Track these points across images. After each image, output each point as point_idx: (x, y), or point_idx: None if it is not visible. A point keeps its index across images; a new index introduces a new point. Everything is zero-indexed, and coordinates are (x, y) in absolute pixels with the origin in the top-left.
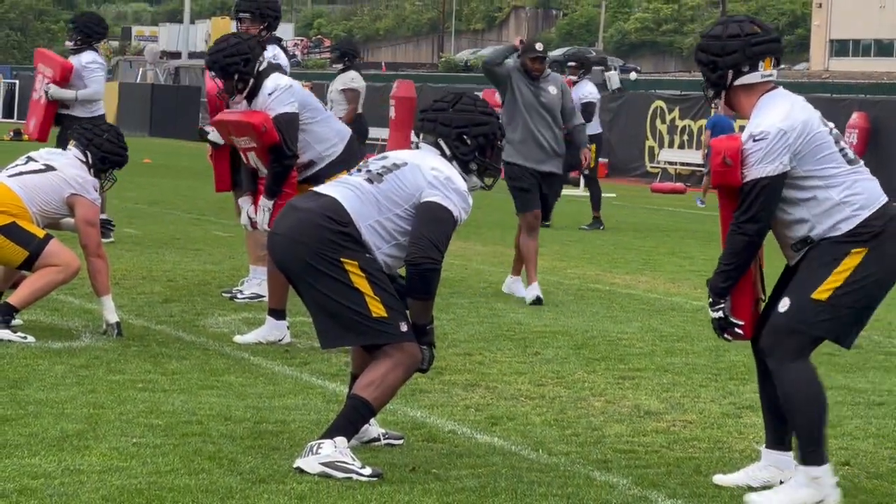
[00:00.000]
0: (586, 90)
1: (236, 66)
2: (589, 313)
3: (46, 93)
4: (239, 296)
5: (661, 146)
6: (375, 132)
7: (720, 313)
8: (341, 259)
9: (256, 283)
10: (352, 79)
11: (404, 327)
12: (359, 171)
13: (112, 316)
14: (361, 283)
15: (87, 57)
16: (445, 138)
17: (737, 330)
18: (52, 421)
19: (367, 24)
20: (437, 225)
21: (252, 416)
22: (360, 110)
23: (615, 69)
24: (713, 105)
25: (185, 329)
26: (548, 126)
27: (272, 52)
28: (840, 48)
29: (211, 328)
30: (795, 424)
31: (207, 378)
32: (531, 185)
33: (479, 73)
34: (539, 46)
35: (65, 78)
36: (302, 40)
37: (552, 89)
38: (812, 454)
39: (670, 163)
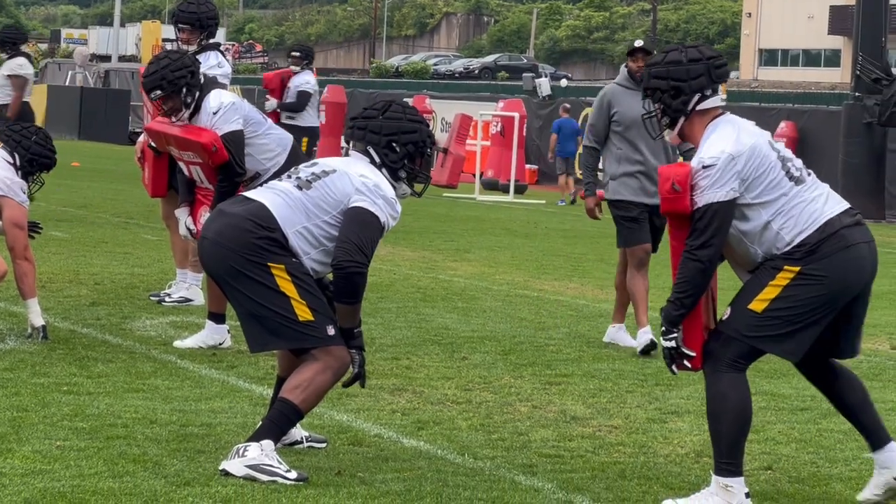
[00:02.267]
0: (304, 79)
1: (184, 79)
2: (517, 319)
3: None
4: (167, 299)
5: None
6: None
7: (673, 342)
8: (268, 263)
9: (185, 286)
10: (20, 65)
11: (331, 331)
12: (289, 177)
13: (38, 319)
14: (287, 286)
15: None
16: (375, 146)
17: (685, 363)
18: None
19: (299, 29)
20: (363, 229)
21: (177, 419)
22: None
23: (546, 76)
24: (663, 136)
25: (112, 332)
26: (648, 141)
27: (216, 60)
28: (769, 57)
29: (138, 331)
30: (717, 433)
31: (133, 381)
32: (640, 215)
33: (409, 79)
34: (638, 43)
35: None
36: (234, 45)
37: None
38: (728, 465)
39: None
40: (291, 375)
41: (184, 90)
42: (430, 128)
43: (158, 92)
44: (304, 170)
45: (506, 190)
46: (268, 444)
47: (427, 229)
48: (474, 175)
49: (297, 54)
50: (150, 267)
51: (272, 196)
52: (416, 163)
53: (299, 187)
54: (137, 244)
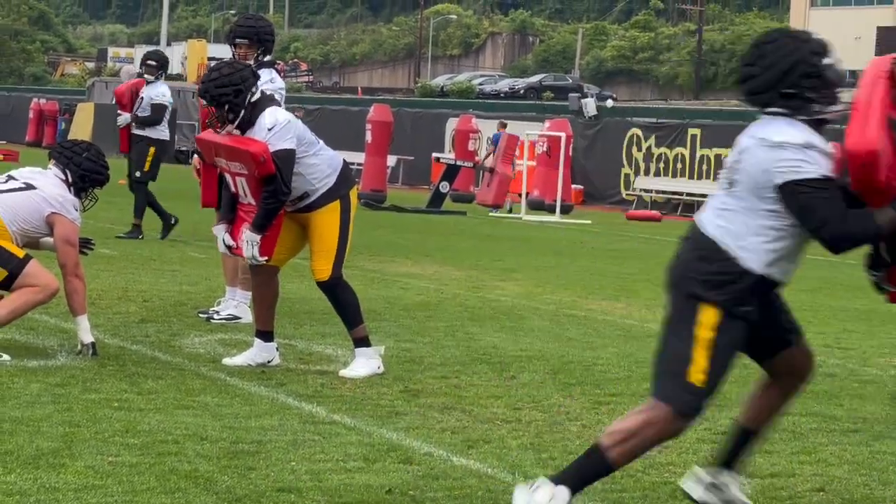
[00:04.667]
0: (159, 90)
1: (227, 97)
2: (565, 338)
3: None
4: (215, 317)
5: (636, 173)
6: (351, 156)
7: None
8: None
9: (233, 304)
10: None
11: None
12: None
13: (87, 336)
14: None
15: None
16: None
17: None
18: (28, 439)
19: (344, 48)
20: None
21: (228, 436)
22: None
23: (591, 96)
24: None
25: (161, 349)
26: None
27: (269, 76)
28: None
29: (187, 349)
30: None
31: (183, 398)
32: None
33: (455, 98)
34: None
35: None
36: (279, 64)
37: None
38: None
39: (646, 190)
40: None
41: (225, 107)
42: (476, 147)
43: (205, 101)
44: None
45: (552, 210)
46: (562, 491)
47: (474, 249)
48: (520, 195)
49: (153, 63)
50: (198, 284)
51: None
52: None
53: None
54: (185, 262)
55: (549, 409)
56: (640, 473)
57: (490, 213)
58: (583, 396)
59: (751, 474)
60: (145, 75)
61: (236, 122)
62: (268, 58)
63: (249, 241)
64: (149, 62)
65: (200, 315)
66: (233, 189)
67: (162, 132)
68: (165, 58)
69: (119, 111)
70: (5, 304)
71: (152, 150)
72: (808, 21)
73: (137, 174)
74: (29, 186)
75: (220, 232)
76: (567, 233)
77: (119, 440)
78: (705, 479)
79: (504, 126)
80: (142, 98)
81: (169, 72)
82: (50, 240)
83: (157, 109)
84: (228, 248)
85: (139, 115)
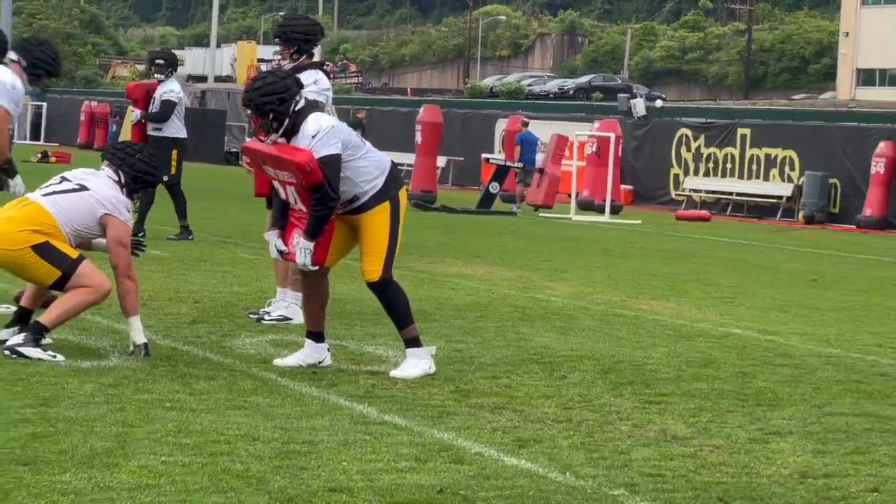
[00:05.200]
0: (168, 87)
1: (271, 105)
2: (615, 338)
3: None
4: (266, 318)
5: (686, 173)
6: (401, 157)
7: None
8: None
9: (284, 305)
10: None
11: None
12: None
13: (140, 336)
14: None
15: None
16: None
17: None
18: (82, 438)
19: (393, 49)
20: None
21: (279, 436)
22: None
23: (641, 97)
24: None
25: (213, 350)
26: None
27: (313, 77)
28: (867, 77)
29: (238, 349)
30: None
31: (235, 398)
32: None
33: (504, 98)
34: None
35: None
36: (328, 65)
37: None
38: None
39: (695, 190)
40: None
41: (270, 115)
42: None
43: (249, 111)
44: None
45: (601, 210)
46: None
47: (524, 249)
48: (569, 195)
49: (161, 62)
50: (248, 285)
51: None
52: None
53: None
54: (235, 263)
55: (600, 408)
56: (692, 473)
57: (539, 214)
58: (633, 396)
59: (803, 474)
60: (155, 75)
61: (281, 131)
62: (315, 59)
63: (303, 248)
64: (157, 61)
65: (251, 316)
66: (283, 196)
67: (178, 130)
68: (173, 56)
69: (131, 107)
70: (58, 304)
71: (174, 152)
72: (859, 19)
73: (166, 178)
74: (82, 188)
75: (273, 238)
76: (616, 233)
77: (172, 440)
78: None
79: (526, 125)
80: (154, 98)
81: (218, 74)
82: (102, 241)
83: (166, 105)
84: (281, 253)
85: (150, 112)
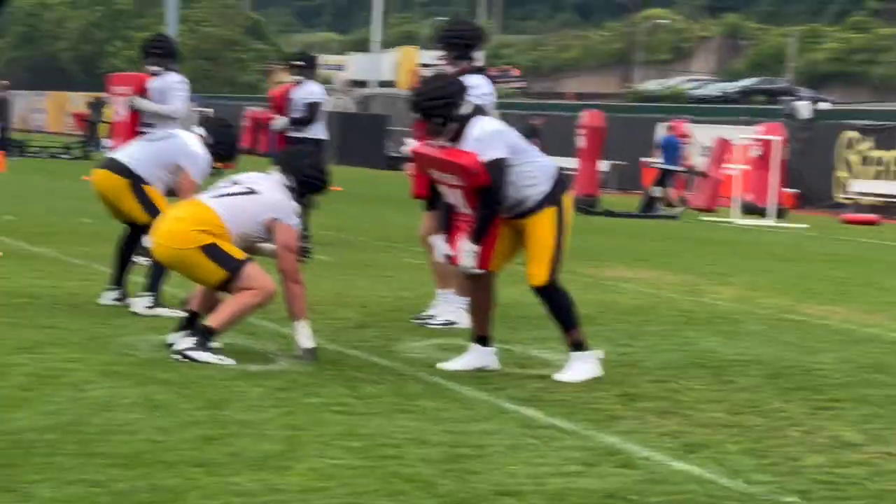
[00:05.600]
0: (310, 90)
1: (438, 108)
2: (782, 343)
3: (130, 102)
4: (431, 322)
5: (852, 176)
6: (563, 162)
7: None
8: None
9: (450, 310)
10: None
11: None
12: None
13: (307, 341)
14: None
15: (173, 77)
16: None
17: None
18: (253, 441)
19: (554, 54)
20: None
21: (448, 440)
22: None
23: (805, 99)
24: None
25: (379, 354)
26: None
27: (475, 82)
28: None
29: (404, 353)
30: None
31: (402, 402)
32: None
33: (666, 102)
34: None
35: (141, 90)
36: (490, 69)
37: None
38: None
39: (862, 193)
40: None
41: (437, 119)
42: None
43: (417, 114)
44: None
45: (765, 214)
46: None
47: (688, 253)
48: (732, 199)
49: (301, 63)
50: (413, 290)
51: None
52: None
53: None
54: (400, 267)
55: (769, 413)
56: (866, 481)
57: (701, 218)
58: (803, 402)
59: None
60: (293, 76)
61: (448, 135)
62: (477, 63)
63: (467, 251)
64: (295, 63)
65: (415, 321)
66: (449, 200)
67: (320, 132)
68: (313, 57)
69: (275, 115)
70: (225, 307)
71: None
72: None
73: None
74: (252, 191)
75: (439, 241)
76: (781, 236)
77: (340, 443)
78: None
79: (670, 129)
80: (292, 101)
81: (380, 79)
82: (269, 245)
83: (312, 108)
84: (447, 257)
85: (293, 116)
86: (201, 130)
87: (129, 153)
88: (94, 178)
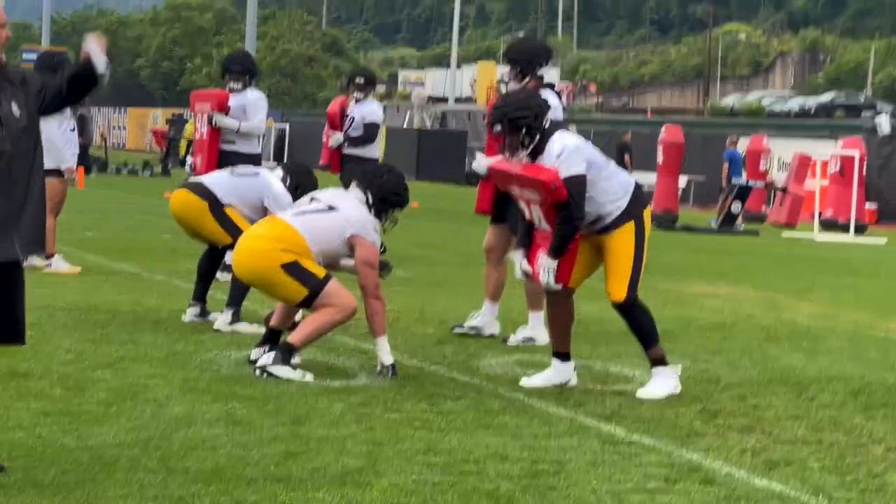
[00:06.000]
0: (370, 108)
1: (525, 119)
2: (864, 360)
3: (210, 119)
4: (511, 338)
5: None
6: (642, 177)
7: None
8: None
9: (529, 327)
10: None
11: None
12: None
13: (387, 357)
14: None
15: (253, 94)
16: None
17: None
18: (334, 457)
19: (633, 69)
20: None
21: (528, 455)
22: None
23: (885, 114)
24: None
25: (459, 370)
26: None
27: (544, 96)
28: None
29: (484, 369)
30: None
31: (482, 418)
32: None
33: (745, 117)
34: None
35: (222, 107)
36: (568, 85)
37: None
38: None
39: None
40: None
41: (523, 130)
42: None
43: (499, 128)
44: None
45: (845, 229)
46: None
47: (767, 269)
48: (812, 215)
49: (361, 81)
50: None
51: None
52: None
53: None
54: (479, 284)
55: (851, 430)
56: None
57: (782, 234)
58: (886, 419)
59: None
60: (354, 94)
61: (530, 148)
62: (545, 79)
63: (546, 267)
64: (357, 80)
65: (456, 330)
66: (527, 216)
67: (373, 151)
68: (373, 74)
69: (331, 130)
70: (307, 323)
71: None
72: None
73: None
74: (331, 208)
75: (519, 258)
76: (861, 252)
77: (421, 459)
78: None
79: (734, 143)
80: (352, 118)
81: (458, 95)
82: (350, 261)
83: (370, 128)
84: (525, 274)
85: (351, 134)
86: (281, 174)
87: (214, 178)
88: (173, 198)
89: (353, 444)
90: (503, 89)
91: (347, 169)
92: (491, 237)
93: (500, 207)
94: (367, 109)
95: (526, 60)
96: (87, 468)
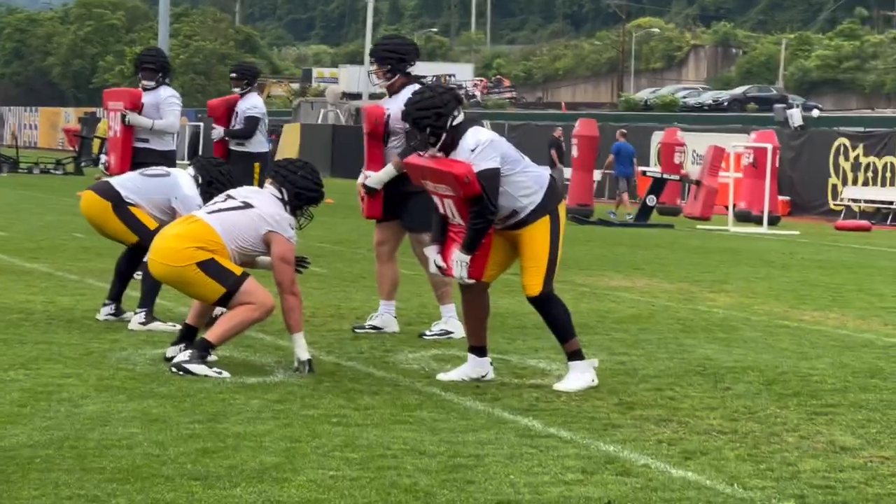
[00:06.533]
0: (251, 103)
1: (427, 119)
2: (778, 349)
3: (124, 118)
4: (427, 333)
5: (844, 183)
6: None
7: None
8: None
9: (443, 320)
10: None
11: None
12: None
13: (304, 353)
14: None
15: (166, 92)
16: None
17: None
18: (251, 454)
19: (547, 63)
20: None
21: (445, 450)
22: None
23: (797, 107)
24: None
25: (376, 365)
26: None
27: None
28: None
29: (401, 364)
30: None
31: (399, 413)
32: None
33: (658, 111)
34: None
35: (135, 105)
36: (482, 80)
37: None
38: None
39: (854, 200)
40: None
41: (427, 130)
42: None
43: (408, 126)
44: None
45: (759, 221)
46: None
47: (683, 261)
48: (727, 207)
49: (235, 75)
50: (408, 301)
51: None
52: None
53: None
54: None
55: (766, 420)
56: (863, 485)
57: (697, 226)
58: (799, 407)
59: None
60: (233, 88)
61: (439, 145)
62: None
63: (459, 261)
64: (232, 75)
65: (356, 331)
66: (441, 211)
67: (261, 145)
68: (254, 69)
69: (213, 125)
70: (223, 321)
71: (257, 165)
72: None
73: None
74: (247, 205)
75: (432, 253)
76: (775, 244)
77: (339, 455)
78: None
79: (624, 136)
80: (236, 113)
81: (373, 91)
82: (266, 258)
83: (250, 122)
84: (440, 269)
85: (233, 128)
86: (193, 171)
87: (122, 179)
88: (82, 199)
89: (270, 441)
90: (374, 80)
91: (232, 164)
92: (380, 235)
93: (387, 207)
94: (247, 104)
95: (397, 59)
96: (1, 469)
